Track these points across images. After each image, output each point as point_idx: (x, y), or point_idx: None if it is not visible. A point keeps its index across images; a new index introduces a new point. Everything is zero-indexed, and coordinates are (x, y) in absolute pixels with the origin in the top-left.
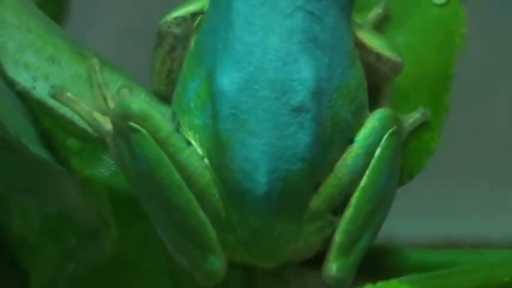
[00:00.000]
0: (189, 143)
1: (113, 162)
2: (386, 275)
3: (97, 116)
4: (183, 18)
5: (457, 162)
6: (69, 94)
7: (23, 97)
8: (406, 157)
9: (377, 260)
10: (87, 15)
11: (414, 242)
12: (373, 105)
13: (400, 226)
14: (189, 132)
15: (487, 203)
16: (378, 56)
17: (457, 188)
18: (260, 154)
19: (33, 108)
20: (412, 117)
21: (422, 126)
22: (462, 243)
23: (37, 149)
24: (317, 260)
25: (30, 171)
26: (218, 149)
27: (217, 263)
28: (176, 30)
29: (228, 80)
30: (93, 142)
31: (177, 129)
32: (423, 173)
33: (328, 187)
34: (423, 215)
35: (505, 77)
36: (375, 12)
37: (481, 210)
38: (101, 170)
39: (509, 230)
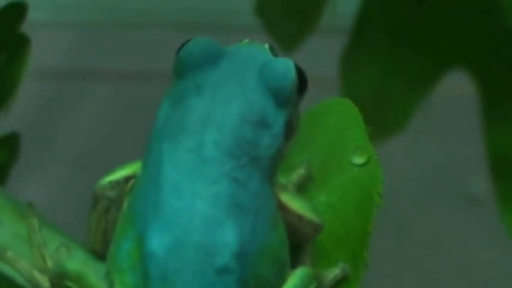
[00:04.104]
0: None
1: None
2: None
3: (36, 275)
4: (117, 182)
5: None
6: (10, 253)
7: None
8: None
9: None
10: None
11: None
12: (295, 261)
13: None
14: None
15: None
16: (300, 218)
17: None
18: None
19: None
20: (332, 273)
21: (342, 280)
22: None
23: None
24: None
25: None
26: None
27: None
28: (110, 193)
29: (157, 243)
30: None
31: None
32: None
33: None
34: None
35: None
36: (298, 172)
37: None
38: None
39: None
